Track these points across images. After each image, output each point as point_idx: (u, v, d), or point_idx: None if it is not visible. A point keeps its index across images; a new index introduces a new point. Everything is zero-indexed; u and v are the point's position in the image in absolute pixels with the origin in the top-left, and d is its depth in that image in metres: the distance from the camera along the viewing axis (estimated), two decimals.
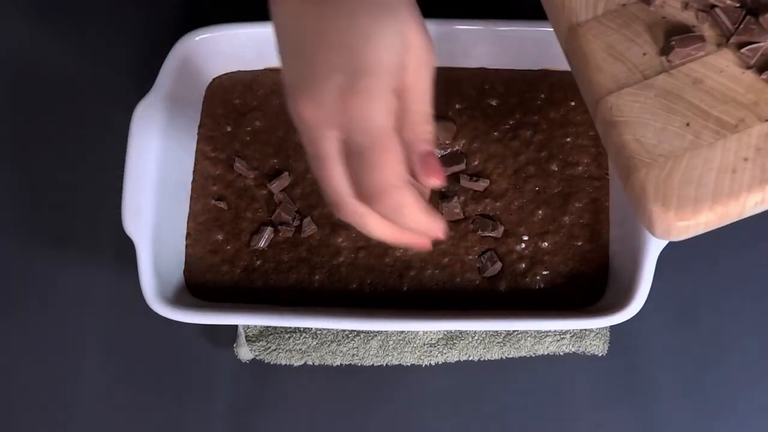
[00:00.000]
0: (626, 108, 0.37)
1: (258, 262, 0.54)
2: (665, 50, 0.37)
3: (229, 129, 0.57)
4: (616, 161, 0.37)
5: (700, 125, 0.36)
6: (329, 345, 0.54)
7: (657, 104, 0.37)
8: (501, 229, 0.53)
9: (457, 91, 0.56)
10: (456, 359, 0.54)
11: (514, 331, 0.54)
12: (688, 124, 0.36)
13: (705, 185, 0.35)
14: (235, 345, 0.55)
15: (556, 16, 0.41)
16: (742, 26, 0.37)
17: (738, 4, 0.37)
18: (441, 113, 0.56)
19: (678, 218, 0.35)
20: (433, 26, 0.53)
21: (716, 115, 0.36)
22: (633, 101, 0.37)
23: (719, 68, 0.37)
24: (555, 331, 0.53)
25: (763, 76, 0.36)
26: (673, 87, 0.37)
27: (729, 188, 0.35)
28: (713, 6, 0.38)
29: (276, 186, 0.55)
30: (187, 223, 0.55)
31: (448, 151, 0.55)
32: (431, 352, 0.54)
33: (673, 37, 0.37)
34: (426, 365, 0.55)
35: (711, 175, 0.35)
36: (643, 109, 0.37)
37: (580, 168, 0.55)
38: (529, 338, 0.54)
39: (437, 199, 0.54)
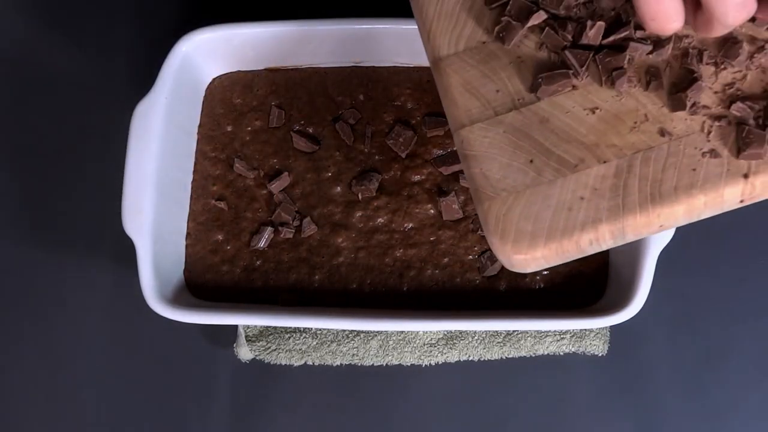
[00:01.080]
0: (476, 142, 0.38)
1: (258, 262, 0.54)
2: (533, 87, 0.38)
3: (229, 129, 0.57)
4: (471, 190, 0.38)
5: (543, 163, 0.37)
6: (329, 345, 0.54)
7: (505, 140, 0.37)
8: None
9: None
10: (456, 359, 0.54)
11: (514, 331, 0.54)
12: (531, 161, 0.37)
13: (541, 221, 0.35)
14: (235, 345, 0.55)
15: (425, 48, 0.42)
16: (587, 64, 0.38)
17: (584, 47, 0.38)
18: (440, 113, 0.56)
19: (514, 252, 0.35)
20: None
21: (558, 154, 0.37)
22: (483, 136, 0.38)
23: (566, 109, 0.37)
24: (555, 331, 0.53)
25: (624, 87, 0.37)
26: (522, 124, 0.38)
27: (564, 225, 0.35)
28: (564, 48, 0.38)
29: (276, 186, 0.55)
30: (187, 223, 0.55)
31: (448, 150, 0.55)
32: (431, 352, 0.54)
33: (540, 74, 0.38)
34: (426, 365, 0.55)
35: (548, 211, 0.36)
36: (491, 144, 0.38)
37: None
38: (529, 338, 0.54)
39: (435, 195, 0.54)
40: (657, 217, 0.35)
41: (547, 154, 0.37)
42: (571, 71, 0.38)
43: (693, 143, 0.36)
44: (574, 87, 0.38)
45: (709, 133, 0.36)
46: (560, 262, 0.36)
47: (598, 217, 0.35)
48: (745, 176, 0.34)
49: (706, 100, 0.36)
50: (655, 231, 0.35)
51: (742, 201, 0.35)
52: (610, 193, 0.35)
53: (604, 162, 0.36)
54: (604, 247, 0.36)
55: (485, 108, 0.39)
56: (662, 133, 0.36)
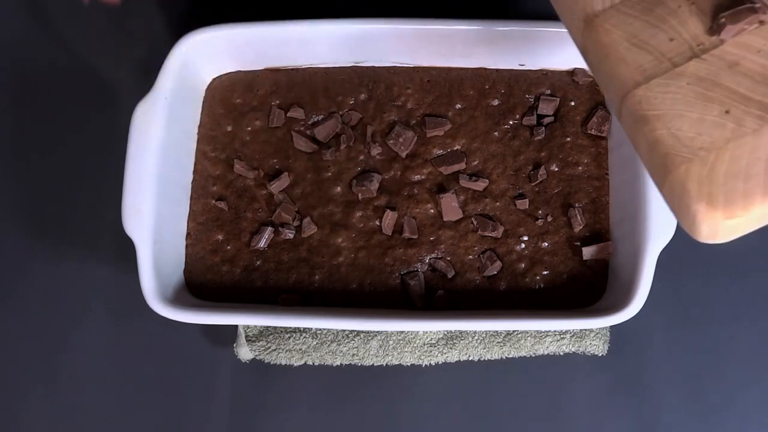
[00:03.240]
0: (657, 100, 0.34)
1: (258, 262, 0.54)
2: (715, 29, 0.34)
3: (229, 129, 0.57)
4: (649, 160, 0.34)
5: (742, 112, 0.32)
6: (329, 345, 0.54)
7: (691, 93, 0.33)
8: (501, 229, 0.53)
9: (457, 91, 0.56)
10: (456, 359, 0.54)
11: (514, 331, 0.54)
12: (728, 112, 0.33)
13: (754, 176, 0.31)
14: (235, 345, 0.55)
15: (569, 9, 0.38)
16: None
17: None
18: (440, 113, 0.56)
19: (726, 216, 0.31)
20: (434, 26, 0.54)
21: (759, 99, 0.32)
22: (664, 92, 0.34)
23: (756, 48, 0.33)
24: (555, 331, 0.54)
25: None
26: (707, 73, 0.34)
27: None
28: None
29: (276, 186, 0.55)
30: (187, 223, 0.55)
31: (448, 150, 0.55)
32: (431, 352, 0.54)
33: (721, 14, 0.34)
34: (426, 365, 0.55)
35: (760, 165, 0.31)
36: (675, 100, 0.34)
37: (580, 168, 0.55)
38: (529, 338, 0.54)
39: (435, 194, 0.54)
40: None
41: (744, 101, 0.33)
42: (757, 4, 0.33)
43: None
44: (761, 23, 0.34)
45: None
46: None
47: None
48: None
49: None
50: None
51: None
52: None
53: None
54: None
55: (660, 61, 0.34)
56: None
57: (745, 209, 0.31)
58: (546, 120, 0.55)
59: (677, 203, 0.33)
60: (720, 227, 0.32)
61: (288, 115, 0.56)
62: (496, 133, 0.55)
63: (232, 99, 0.57)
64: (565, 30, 0.53)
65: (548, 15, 0.58)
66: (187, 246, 0.55)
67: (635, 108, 0.34)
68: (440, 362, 0.54)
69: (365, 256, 0.54)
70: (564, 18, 0.39)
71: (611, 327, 0.54)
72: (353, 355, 0.54)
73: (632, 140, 0.35)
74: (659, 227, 0.49)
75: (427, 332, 0.54)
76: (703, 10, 0.35)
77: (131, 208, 0.51)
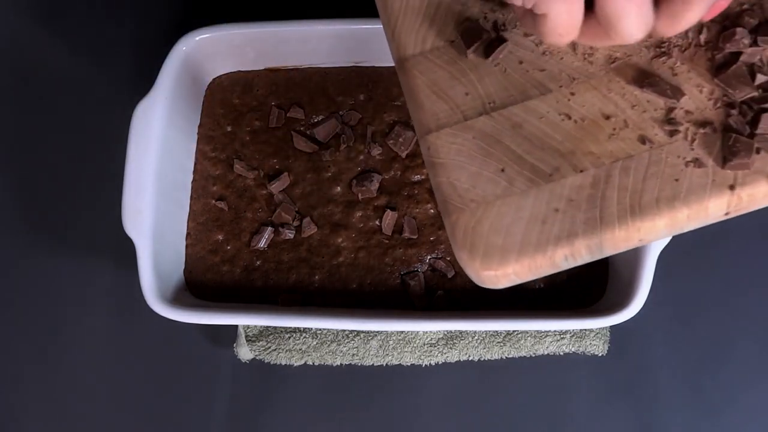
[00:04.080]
0: (443, 149, 0.35)
1: (258, 262, 0.54)
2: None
3: (229, 129, 0.57)
4: (437, 200, 0.35)
5: (515, 172, 0.34)
6: (329, 345, 0.54)
7: (474, 147, 0.35)
8: None
9: None
10: (456, 359, 0.54)
11: (514, 331, 0.54)
12: (503, 170, 0.34)
13: (513, 235, 0.33)
14: (235, 345, 0.55)
15: (389, 47, 0.39)
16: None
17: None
18: None
19: (483, 268, 0.33)
20: None
21: (532, 162, 0.34)
22: (451, 142, 0.35)
23: (540, 114, 0.35)
24: (555, 331, 0.53)
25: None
26: (492, 130, 0.35)
27: (537, 240, 0.33)
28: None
29: (276, 186, 0.55)
30: (187, 223, 0.55)
31: None
32: (431, 352, 0.54)
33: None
34: (426, 365, 0.55)
35: (521, 224, 0.33)
36: (459, 151, 0.35)
37: None
38: (529, 338, 0.54)
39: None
40: (637, 230, 0.33)
41: (519, 162, 0.34)
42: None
43: (676, 152, 0.33)
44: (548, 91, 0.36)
45: (693, 141, 0.33)
46: (532, 278, 0.34)
47: (573, 231, 0.33)
48: (731, 187, 0.32)
49: (689, 106, 0.34)
50: (634, 245, 0.33)
51: (727, 213, 0.33)
52: (586, 205, 0.33)
53: (581, 171, 0.34)
54: (580, 262, 0.34)
55: (453, 112, 0.36)
56: (643, 140, 0.34)
57: (500, 265, 0.33)
58: None
59: (452, 244, 0.34)
60: (480, 276, 0.33)
61: (288, 115, 0.56)
62: None
63: (231, 99, 0.57)
64: None
65: None
66: (187, 246, 0.55)
67: (426, 153, 0.36)
68: (440, 362, 0.54)
69: (365, 256, 0.54)
70: (390, 50, 0.40)
71: (611, 327, 0.54)
72: (353, 355, 0.54)
73: (429, 177, 0.37)
74: None
75: (427, 332, 0.54)
76: (505, 70, 0.36)
77: (131, 208, 0.51)
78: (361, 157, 0.55)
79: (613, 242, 0.33)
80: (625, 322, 0.48)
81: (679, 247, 0.49)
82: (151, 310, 0.50)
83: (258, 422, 0.55)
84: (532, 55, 0.37)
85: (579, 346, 0.54)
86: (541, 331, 0.54)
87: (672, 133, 0.34)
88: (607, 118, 0.35)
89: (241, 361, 0.55)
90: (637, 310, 0.48)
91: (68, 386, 0.56)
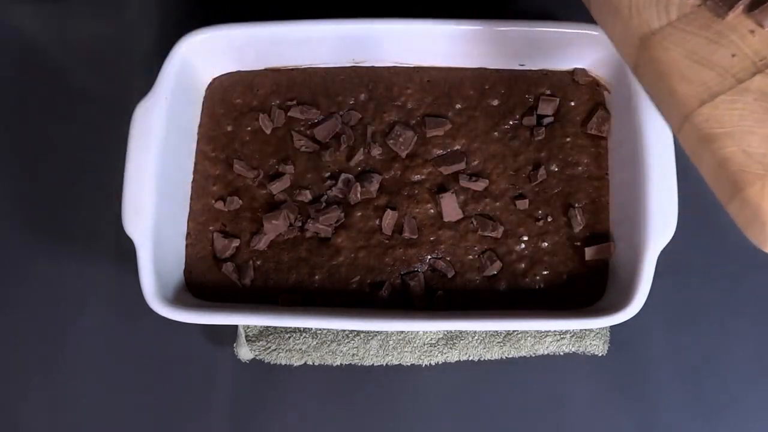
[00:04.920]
0: (725, 117, 0.33)
1: (258, 262, 0.54)
2: None
3: (229, 129, 0.57)
4: (716, 178, 0.33)
5: None
6: (329, 345, 0.54)
7: (759, 109, 0.33)
8: (501, 229, 0.53)
9: (457, 91, 0.56)
10: (456, 359, 0.54)
11: (514, 331, 0.54)
12: None
13: None
14: (235, 345, 0.55)
15: (621, 28, 0.37)
16: None
17: None
18: (440, 113, 0.56)
19: None
20: (434, 26, 0.54)
21: None
22: (731, 109, 0.33)
23: None
24: (555, 331, 0.53)
25: None
26: None
27: None
28: None
29: (276, 186, 0.55)
30: (187, 223, 0.55)
31: (448, 150, 0.55)
32: (431, 352, 0.54)
33: None
34: (426, 365, 0.55)
35: None
36: (743, 116, 0.33)
37: (580, 168, 0.55)
38: (529, 338, 0.54)
39: (435, 194, 0.54)
40: None
41: None
42: None
43: None
44: None
45: None
46: None
47: None
48: None
49: None
50: None
51: None
52: None
53: None
54: None
55: (723, 78, 0.33)
56: None
57: None
58: (546, 120, 0.55)
59: (749, 220, 0.32)
60: None
61: (288, 115, 0.56)
62: (496, 133, 0.55)
63: (232, 99, 0.57)
64: (565, 30, 0.54)
65: (548, 15, 0.59)
66: (187, 246, 0.55)
67: (702, 126, 0.33)
68: (440, 362, 0.54)
69: (365, 256, 0.54)
70: (613, 35, 0.38)
71: (611, 327, 0.54)
72: (353, 355, 0.54)
73: (696, 159, 0.34)
74: (659, 227, 0.49)
75: (427, 332, 0.54)
76: (762, 23, 0.34)
77: (131, 208, 0.51)
78: (361, 157, 0.55)
79: None
80: (625, 322, 0.48)
81: (679, 247, 0.49)
82: (151, 310, 0.50)
83: (258, 422, 0.55)
84: None
85: (579, 346, 0.54)
86: (541, 331, 0.54)
87: None
88: None
89: (241, 361, 0.55)
90: (637, 310, 0.48)
91: (68, 386, 0.56)
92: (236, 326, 0.55)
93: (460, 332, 0.54)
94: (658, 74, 0.35)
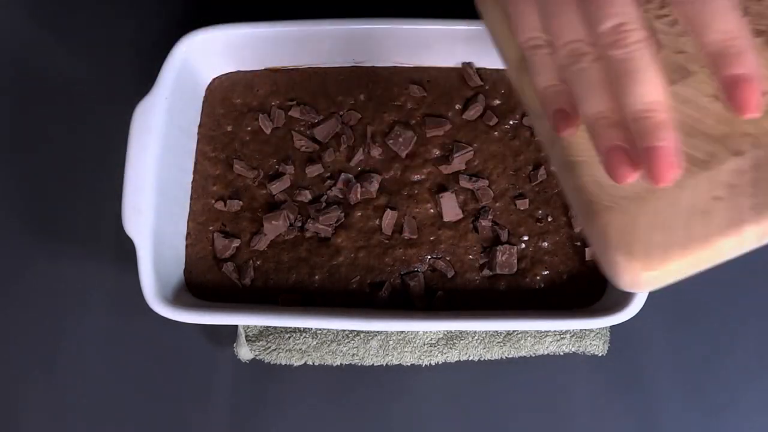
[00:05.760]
0: (582, 147, 0.33)
1: (258, 262, 0.54)
2: None
3: (229, 129, 0.57)
4: (575, 205, 0.34)
5: None
6: (329, 345, 0.54)
7: None
8: (501, 229, 0.53)
9: (457, 91, 0.56)
10: (456, 359, 0.54)
11: (514, 331, 0.54)
12: None
13: (674, 230, 0.31)
14: (235, 345, 0.55)
15: (506, 44, 0.38)
16: None
17: None
18: (440, 113, 0.56)
19: (645, 268, 0.31)
20: (434, 26, 0.54)
21: (684, 151, 0.31)
22: (589, 138, 0.33)
23: (685, 98, 0.33)
24: (555, 331, 0.54)
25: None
26: None
27: (702, 233, 0.31)
28: None
29: (276, 186, 0.55)
30: (187, 223, 0.55)
31: (448, 150, 0.55)
32: (431, 352, 0.54)
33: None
34: (426, 365, 0.55)
35: (681, 218, 0.31)
36: None
37: None
38: (529, 338, 0.54)
39: (435, 194, 0.54)
40: None
41: None
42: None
43: None
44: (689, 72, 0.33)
45: None
46: (694, 273, 0.32)
47: (741, 219, 0.30)
48: None
49: None
50: None
51: None
52: (751, 189, 0.30)
53: (739, 154, 0.31)
54: (747, 250, 0.32)
55: None
56: None
57: (663, 262, 0.31)
58: None
59: (599, 250, 0.32)
60: (640, 278, 0.31)
61: (288, 115, 0.56)
62: (496, 133, 0.55)
63: (232, 99, 0.57)
64: None
65: None
66: (187, 246, 0.55)
67: (563, 153, 0.34)
68: (440, 362, 0.54)
69: (365, 256, 0.54)
70: (500, 50, 0.38)
71: (611, 327, 0.54)
72: (353, 355, 0.54)
73: (561, 181, 0.35)
74: None
75: (427, 332, 0.54)
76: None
77: (131, 208, 0.51)
78: (361, 157, 0.55)
79: None
80: (625, 322, 0.48)
81: None
82: (151, 310, 0.50)
83: (258, 422, 0.55)
84: (668, 38, 0.34)
85: (579, 346, 0.54)
86: (541, 331, 0.54)
87: None
88: (763, 93, 0.31)
89: (241, 361, 0.55)
90: (637, 310, 0.48)
91: (68, 386, 0.56)
92: (236, 326, 0.55)
93: (460, 332, 0.54)
94: (533, 98, 0.35)
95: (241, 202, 0.55)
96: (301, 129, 0.56)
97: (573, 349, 0.54)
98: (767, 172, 0.31)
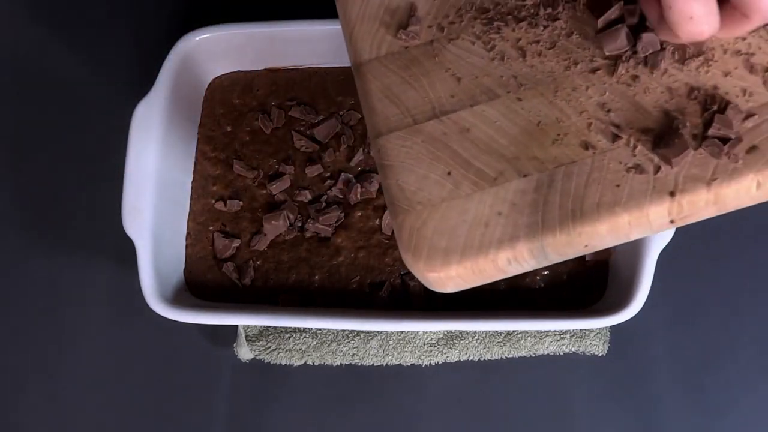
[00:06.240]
0: (393, 152, 0.36)
1: (258, 262, 0.54)
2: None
3: (228, 129, 0.57)
4: (387, 204, 0.36)
5: (461, 175, 0.35)
6: (329, 345, 0.54)
7: (423, 150, 0.36)
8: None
9: None
10: (456, 359, 0.54)
11: (514, 331, 0.54)
12: (449, 173, 0.35)
13: (456, 237, 0.33)
14: (235, 345, 0.55)
15: (347, 51, 0.41)
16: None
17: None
18: None
19: (427, 270, 0.33)
20: None
21: (477, 166, 0.35)
22: (400, 146, 0.36)
23: (487, 118, 0.36)
24: (555, 331, 0.53)
25: None
26: (441, 134, 0.36)
27: (479, 242, 0.33)
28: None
29: (276, 186, 0.55)
30: (187, 223, 0.55)
31: None
32: (431, 352, 0.54)
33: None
34: (426, 365, 0.55)
35: (464, 227, 0.34)
36: (408, 154, 0.36)
37: None
38: (529, 338, 0.54)
39: None
40: (579, 235, 0.33)
41: (465, 165, 0.35)
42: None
43: (618, 158, 0.33)
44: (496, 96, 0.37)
45: (635, 147, 0.33)
46: (479, 283, 0.34)
47: (516, 234, 0.33)
48: (672, 194, 0.32)
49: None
50: (580, 251, 0.33)
51: (672, 221, 0.33)
52: (529, 209, 0.33)
53: (525, 176, 0.34)
54: (526, 268, 0.34)
55: (404, 116, 0.37)
56: (586, 146, 0.34)
57: (443, 267, 0.33)
58: None
59: (399, 245, 0.35)
60: (426, 278, 0.34)
61: (288, 115, 0.56)
62: None
63: (232, 99, 0.57)
64: None
65: None
66: (187, 246, 0.55)
67: (376, 155, 0.37)
68: (440, 362, 0.54)
69: (365, 256, 0.54)
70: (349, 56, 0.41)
71: (611, 327, 0.54)
72: (353, 355, 0.54)
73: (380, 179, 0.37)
74: None
75: (427, 332, 0.54)
76: (455, 75, 0.37)
77: (131, 208, 0.51)
78: (361, 157, 0.55)
79: (556, 247, 0.33)
80: (625, 322, 0.48)
81: (680, 247, 0.49)
82: (151, 310, 0.50)
83: (258, 422, 0.55)
84: (482, 62, 0.37)
85: (579, 346, 0.54)
86: (541, 331, 0.54)
87: (615, 139, 0.34)
88: (552, 123, 0.35)
89: (241, 361, 0.55)
90: (637, 310, 0.48)
91: (68, 386, 0.56)
92: (236, 326, 0.55)
93: (460, 332, 0.54)
94: (362, 101, 0.38)
95: (241, 202, 0.55)
96: (301, 129, 0.56)
97: (573, 349, 0.54)
98: (545, 195, 0.33)
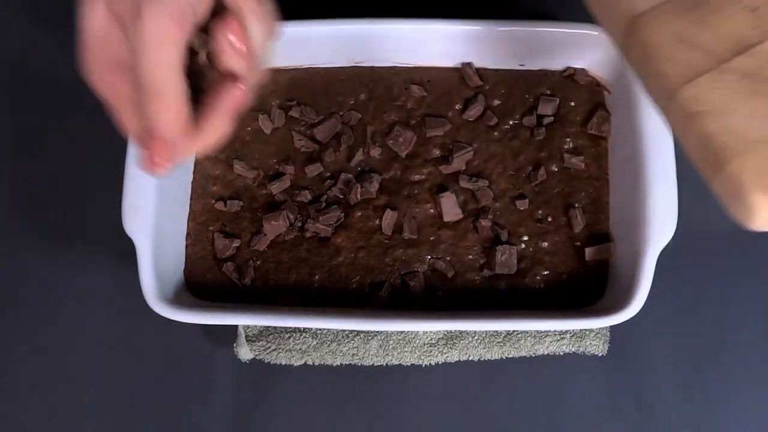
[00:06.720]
0: (708, 96, 0.34)
1: (258, 262, 0.54)
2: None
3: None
4: (699, 156, 0.35)
5: None
6: (329, 345, 0.54)
7: (739, 88, 0.34)
8: (501, 229, 0.53)
9: (457, 91, 0.56)
10: (456, 359, 0.54)
11: (514, 331, 0.54)
12: None
13: None
14: (235, 345, 0.55)
15: (608, 10, 0.39)
16: None
17: None
18: (440, 113, 0.56)
19: None
20: (434, 26, 0.54)
21: None
22: (713, 88, 0.34)
23: None
24: (555, 331, 0.53)
25: None
26: (753, 67, 0.35)
27: None
28: None
29: (276, 186, 0.55)
30: (187, 223, 0.55)
31: (448, 150, 0.55)
32: (431, 352, 0.54)
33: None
34: (426, 365, 0.55)
35: None
36: (725, 95, 0.34)
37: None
38: (529, 338, 0.54)
39: (435, 194, 0.54)
40: None
41: None
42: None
43: None
44: None
45: None
46: None
47: None
48: None
49: None
50: None
51: None
52: None
53: None
54: None
55: (707, 57, 0.35)
56: None
57: None
58: (546, 120, 0.55)
59: (732, 195, 0.33)
60: None
61: (288, 115, 0.56)
62: (496, 133, 0.55)
63: None
64: (565, 30, 0.54)
65: (547, 15, 0.59)
66: (187, 246, 0.55)
67: (685, 105, 0.35)
68: (440, 362, 0.54)
69: (365, 256, 0.54)
70: (602, 19, 0.39)
71: (611, 327, 0.54)
72: (353, 355, 0.54)
73: (680, 137, 0.36)
74: (659, 227, 0.49)
75: (427, 332, 0.54)
76: (748, 7, 0.35)
77: (131, 208, 0.51)
78: (361, 157, 0.55)
79: None
80: (625, 322, 0.48)
81: (679, 248, 0.49)
82: (151, 310, 0.50)
83: (258, 422, 0.55)
84: None
85: (579, 346, 0.54)
86: (541, 331, 0.54)
87: None
88: (752, 10, 0.33)
89: (241, 361, 0.55)
90: (637, 310, 0.48)
91: (68, 386, 0.56)
92: (236, 326, 0.55)
93: (460, 332, 0.54)
94: (645, 56, 0.37)
95: (241, 202, 0.55)
96: (301, 129, 0.56)
97: (573, 349, 0.54)
98: None
